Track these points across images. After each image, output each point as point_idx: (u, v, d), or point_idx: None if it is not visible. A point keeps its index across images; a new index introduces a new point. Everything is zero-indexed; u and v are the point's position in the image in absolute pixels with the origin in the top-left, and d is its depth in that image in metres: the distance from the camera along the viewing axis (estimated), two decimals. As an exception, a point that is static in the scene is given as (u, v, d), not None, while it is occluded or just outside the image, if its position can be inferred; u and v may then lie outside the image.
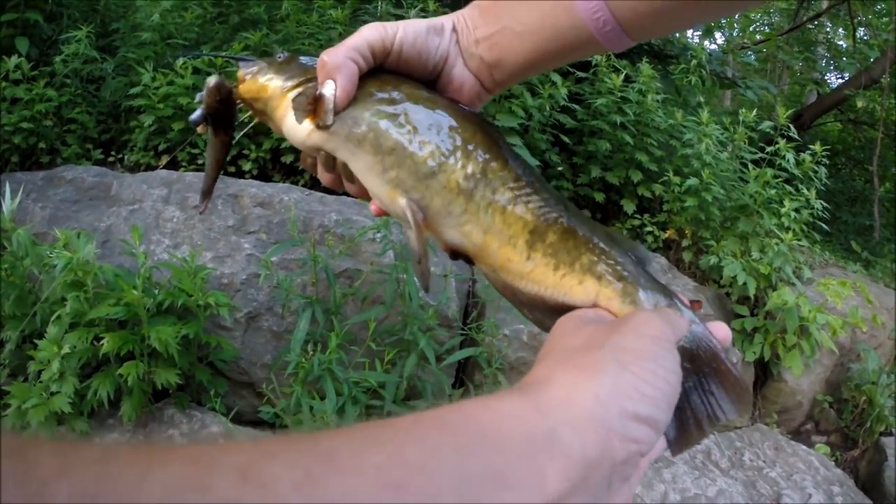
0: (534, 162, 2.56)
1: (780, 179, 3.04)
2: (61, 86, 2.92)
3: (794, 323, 2.60)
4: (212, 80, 0.44)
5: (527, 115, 2.64)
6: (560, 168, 2.99)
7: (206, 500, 0.19)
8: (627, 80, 3.11)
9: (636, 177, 3.00)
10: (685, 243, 3.07)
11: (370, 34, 0.41)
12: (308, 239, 1.91)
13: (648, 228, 3.09)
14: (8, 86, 2.79)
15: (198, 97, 0.45)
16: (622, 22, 0.38)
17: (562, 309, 0.40)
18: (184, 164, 2.68)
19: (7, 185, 2.20)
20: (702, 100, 3.60)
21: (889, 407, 2.75)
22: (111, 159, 2.83)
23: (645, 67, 3.14)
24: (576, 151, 3.06)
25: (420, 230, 0.40)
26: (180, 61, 2.61)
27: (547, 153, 2.88)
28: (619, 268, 0.40)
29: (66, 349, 1.86)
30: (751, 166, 3.06)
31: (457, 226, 0.40)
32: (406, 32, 0.42)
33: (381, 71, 0.42)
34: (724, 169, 3.14)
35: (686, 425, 0.38)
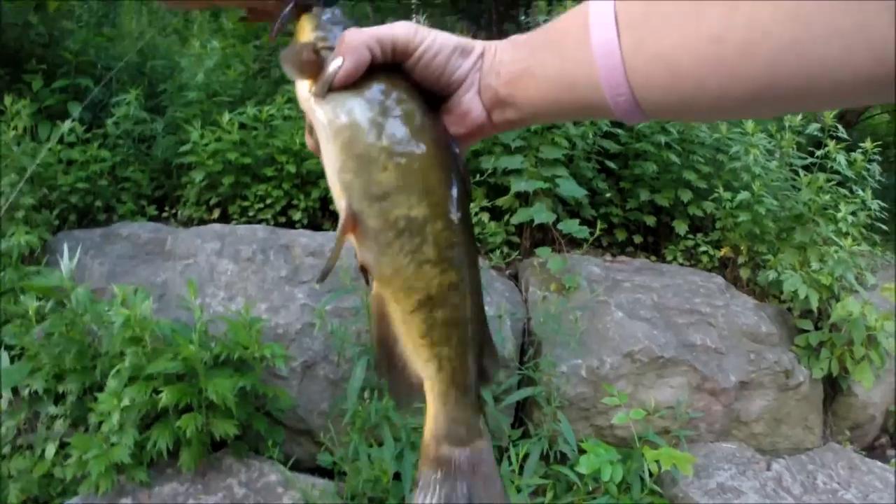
0: (581, 192, 2.51)
1: (832, 183, 2.90)
2: (114, 146, 3.05)
3: (860, 334, 2.45)
4: None
5: (570, 144, 2.61)
6: (608, 194, 2.93)
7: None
8: (668, 99, 3.04)
9: (686, 196, 2.91)
10: (741, 260, 2.94)
11: (400, 31, 0.41)
12: (361, 286, 1.90)
13: (702, 248, 2.98)
14: (63, 148, 2.93)
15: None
16: (644, 108, 0.37)
17: (402, 367, 0.42)
18: (235, 216, 2.74)
19: (65, 243, 2.28)
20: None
21: None
22: (165, 215, 2.92)
23: (686, 86, 3.07)
24: (622, 176, 3.00)
25: (343, 235, 0.41)
26: (226, 117, 2.69)
27: (594, 181, 2.82)
28: (463, 378, 0.42)
29: (125, 402, 1.90)
30: (801, 172, 2.94)
31: (377, 252, 0.41)
32: (434, 43, 0.42)
33: (398, 71, 0.42)
34: (775, 178, 3.02)
35: None
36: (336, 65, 0.41)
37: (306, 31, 0.45)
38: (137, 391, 1.91)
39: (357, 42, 0.40)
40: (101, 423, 1.94)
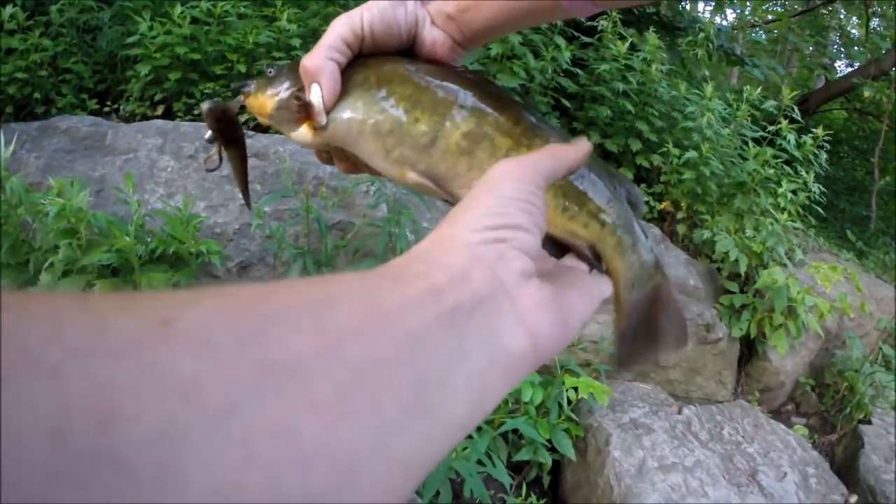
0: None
1: (779, 160, 3.02)
2: (57, 35, 2.88)
3: (782, 303, 2.59)
4: (204, 106, 0.45)
5: (528, 76, 2.61)
6: (560, 133, 2.96)
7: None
8: (633, 48, 3.06)
9: (635, 146, 2.97)
10: (680, 216, 3.06)
11: (340, 27, 0.42)
12: (302, 190, 1.90)
13: (644, 198, 3.06)
14: (3, 36, 2.76)
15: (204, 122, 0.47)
16: None
17: (565, 246, 0.42)
18: (179, 114, 2.64)
19: (1, 134, 2.18)
20: (707, 74, 3.55)
21: (870, 395, 2.75)
22: (107, 109, 2.80)
23: (651, 37, 3.09)
24: (576, 117, 3.03)
25: (438, 190, 0.42)
26: (178, 10, 2.56)
27: (547, 116, 2.84)
28: (621, 218, 0.42)
29: (58, 296, 1.86)
30: (751, 144, 3.03)
31: (466, 183, 0.41)
32: (372, 14, 0.42)
33: (360, 56, 0.43)
34: (725, 145, 3.11)
35: (633, 347, 0.44)
36: (317, 92, 0.42)
37: (265, 98, 0.45)
38: (71, 284, 1.88)
39: (318, 61, 0.41)
40: None
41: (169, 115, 2.65)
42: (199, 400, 0.17)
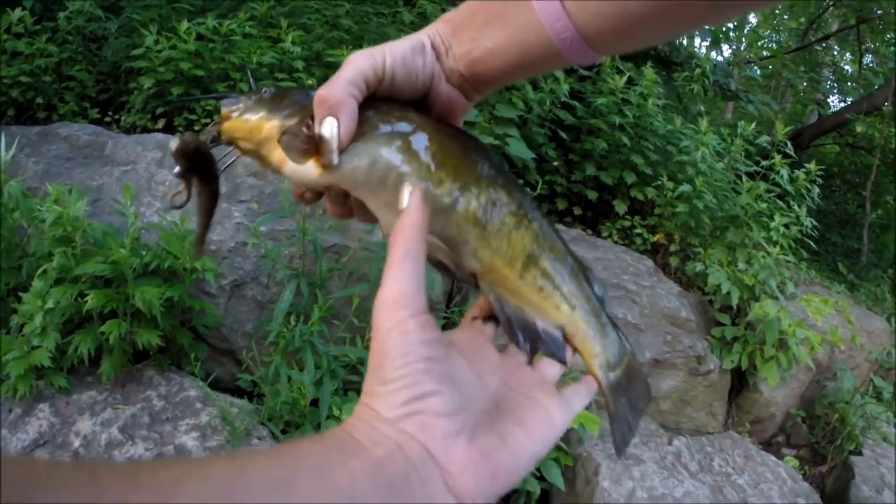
0: (529, 155, 2.57)
1: (772, 194, 3.07)
2: (63, 42, 2.90)
3: (773, 335, 2.62)
4: (173, 145, 0.42)
5: (527, 107, 2.65)
6: (556, 163, 3.01)
7: None
8: (630, 82, 3.12)
9: (630, 178, 3.02)
10: (673, 248, 3.09)
11: (362, 64, 0.41)
12: (298, 211, 1.92)
13: (638, 230, 3.11)
14: (9, 39, 2.77)
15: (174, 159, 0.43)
16: (587, 39, 0.39)
17: (535, 326, 0.43)
18: (180, 128, 2.67)
19: (2, 137, 2.18)
20: (702, 109, 3.62)
21: (860, 427, 2.78)
22: (108, 119, 2.82)
23: (648, 72, 3.15)
24: (572, 148, 3.08)
25: (443, 250, 0.42)
26: (184, 25, 2.60)
27: (544, 147, 2.89)
28: (588, 303, 0.44)
29: (49, 304, 1.85)
30: (745, 178, 3.09)
31: (471, 251, 0.41)
32: (395, 56, 0.41)
33: (374, 98, 0.42)
34: (718, 179, 3.16)
35: (627, 424, 0.45)
36: (332, 127, 0.39)
37: (259, 121, 0.42)
38: (63, 293, 1.87)
39: (340, 95, 0.39)
40: (23, 325, 1.89)
41: (170, 128, 2.68)
42: None
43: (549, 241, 0.43)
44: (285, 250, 1.98)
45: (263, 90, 0.43)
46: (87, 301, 1.84)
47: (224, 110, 0.43)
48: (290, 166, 0.41)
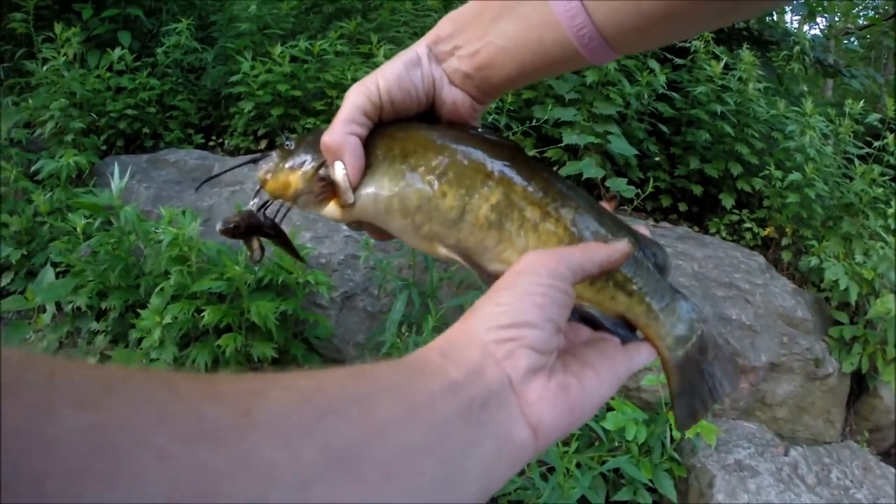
0: (632, 151, 2.46)
1: (887, 178, 2.81)
2: (163, 75, 3.07)
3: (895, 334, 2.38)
4: (219, 229, 0.45)
5: (624, 102, 2.54)
6: (657, 158, 2.87)
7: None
8: (727, 67, 2.94)
9: (736, 170, 2.83)
10: (785, 242, 2.87)
11: (357, 98, 0.42)
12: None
13: (747, 225, 2.91)
14: (112, 76, 2.96)
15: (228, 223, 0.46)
16: (606, 37, 0.37)
17: (593, 318, 0.42)
18: (280, 149, 2.74)
19: (115, 166, 2.32)
20: (805, 89, 3.36)
21: None
22: (212, 143, 2.95)
23: (745, 54, 2.96)
24: (673, 142, 2.93)
25: (469, 265, 0.42)
26: (278, 49, 2.68)
27: (644, 143, 2.77)
28: (648, 285, 0.42)
29: (167, 319, 1.94)
30: (856, 162, 2.84)
31: (495, 256, 0.41)
32: (388, 80, 0.41)
33: (381, 124, 0.43)
34: (828, 164, 2.92)
35: (693, 404, 0.44)
36: (341, 170, 0.41)
37: (286, 175, 0.44)
38: (180, 309, 1.95)
39: (339, 138, 0.41)
40: (141, 339, 1.98)
41: (272, 148, 2.76)
42: (278, 481, 0.22)
43: (588, 228, 0.41)
44: (395, 261, 1.97)
45: (286, 141, 0.46)
46: (203, 316, 1.90)
47: (259, 175, 0.45)
48: (323, 211, 0.44)
